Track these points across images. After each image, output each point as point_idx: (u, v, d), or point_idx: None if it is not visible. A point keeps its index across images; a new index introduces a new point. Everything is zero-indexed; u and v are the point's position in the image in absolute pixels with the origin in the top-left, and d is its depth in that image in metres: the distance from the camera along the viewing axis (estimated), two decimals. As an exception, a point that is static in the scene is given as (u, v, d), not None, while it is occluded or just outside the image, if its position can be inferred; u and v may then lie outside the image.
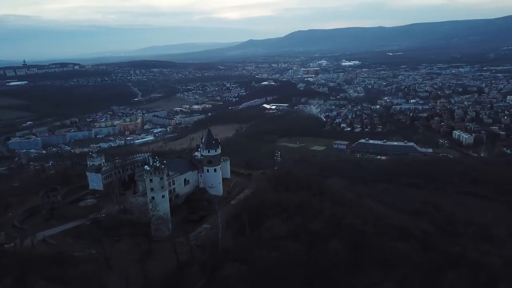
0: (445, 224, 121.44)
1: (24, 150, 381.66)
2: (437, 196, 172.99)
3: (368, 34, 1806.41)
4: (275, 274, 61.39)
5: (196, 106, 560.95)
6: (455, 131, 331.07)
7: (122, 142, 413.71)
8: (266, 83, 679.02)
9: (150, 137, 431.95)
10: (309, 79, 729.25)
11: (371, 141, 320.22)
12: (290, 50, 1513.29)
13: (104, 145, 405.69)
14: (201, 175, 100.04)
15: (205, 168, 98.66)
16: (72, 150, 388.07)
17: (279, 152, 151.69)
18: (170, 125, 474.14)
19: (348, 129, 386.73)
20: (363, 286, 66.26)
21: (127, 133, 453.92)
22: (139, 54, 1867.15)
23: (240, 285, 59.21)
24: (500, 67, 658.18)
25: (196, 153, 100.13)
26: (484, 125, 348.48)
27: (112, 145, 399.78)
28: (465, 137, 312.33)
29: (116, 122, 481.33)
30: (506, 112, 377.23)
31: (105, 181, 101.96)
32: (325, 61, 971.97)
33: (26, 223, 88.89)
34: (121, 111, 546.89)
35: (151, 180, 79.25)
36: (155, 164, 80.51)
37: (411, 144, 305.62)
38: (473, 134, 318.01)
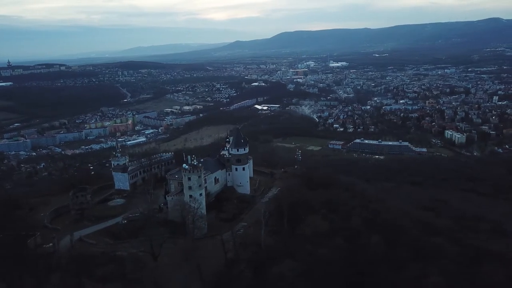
0: (459, 219, 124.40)
1: (13, 152, 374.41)
2: (441, 194, 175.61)
3: (353, 36, 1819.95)
4: (327, 270, 62.33)
5: (187, 107, 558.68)
6: (447, 131, 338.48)
7: (114, 143, 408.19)
8: (256, 84, 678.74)
9: (142, 138, 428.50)
10: (298, 80, 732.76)
11: (366, 141, 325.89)
12: (277, 51, 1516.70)
13: (95, 146, 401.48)
14: (229, 174, 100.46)
15: (234, 167, 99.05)
16: (63, 152, 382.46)
17: (299, 151, 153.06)
18: (162, 126, 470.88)
19: (341, 129, 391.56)
20: (407, 280, 67.63)
21: (118, 134, 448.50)
22: (125, 54, 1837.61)
23: (296, 281, 59.88)
24: (485, 68, 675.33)
25: (223, 152, 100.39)
26: (474, 125, 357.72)
27: (104, 146, 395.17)
28: (458, 137, 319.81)
29: (106, 123, 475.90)
30: (494, 112, 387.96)
31: (131, 180, 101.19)
32: (313, 62, 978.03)
33: (55, 223, 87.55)
34: (110, 112, 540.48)
35: (189, 179, 79.17)
36: (192, 162, 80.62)
37: (406, 143, 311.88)
38: (465, 134, 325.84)
